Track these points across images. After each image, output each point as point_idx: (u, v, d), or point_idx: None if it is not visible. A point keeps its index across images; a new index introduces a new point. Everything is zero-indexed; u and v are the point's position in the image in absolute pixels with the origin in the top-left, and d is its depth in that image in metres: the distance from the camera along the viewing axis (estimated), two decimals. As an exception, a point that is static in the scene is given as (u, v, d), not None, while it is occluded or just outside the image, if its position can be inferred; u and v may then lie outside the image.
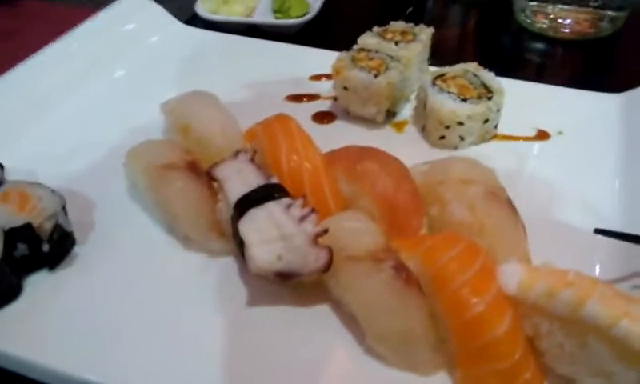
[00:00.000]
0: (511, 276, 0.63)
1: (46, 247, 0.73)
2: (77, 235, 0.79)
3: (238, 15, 1.37)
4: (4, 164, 0.85)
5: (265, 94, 1.09)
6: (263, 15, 1.36)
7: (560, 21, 1.36)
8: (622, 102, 1.02)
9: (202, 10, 1.37)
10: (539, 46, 1.36)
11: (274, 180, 0.75)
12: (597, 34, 1.35)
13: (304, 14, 1.35)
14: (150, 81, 1.14)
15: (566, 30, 1.35)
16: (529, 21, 1.39)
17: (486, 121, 0.94)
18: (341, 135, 0.97)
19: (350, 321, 0.69)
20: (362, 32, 1.10)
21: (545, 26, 1.37)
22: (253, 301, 0.72)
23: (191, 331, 0.69)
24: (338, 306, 0.71)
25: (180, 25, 1.31)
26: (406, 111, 1.05)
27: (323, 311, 0.71)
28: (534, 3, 1.37)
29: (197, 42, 1.27)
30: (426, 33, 1.08)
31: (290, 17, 1.34)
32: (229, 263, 0.77)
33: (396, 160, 0.81)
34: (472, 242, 0.67)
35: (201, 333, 0.69)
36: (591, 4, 1.32)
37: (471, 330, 0.61)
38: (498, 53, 1.37)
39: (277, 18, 1.36)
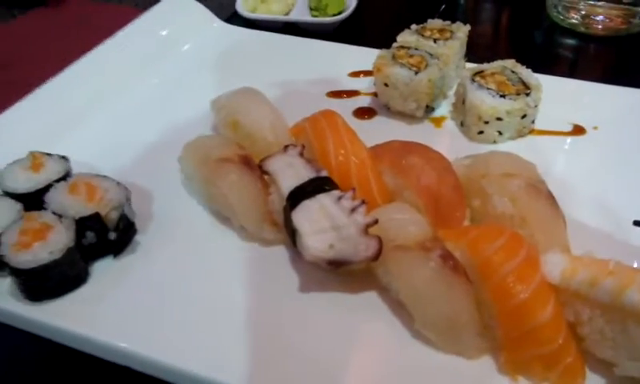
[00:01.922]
0: (554, 265, 0.67)
1: (112, 235, 0.78)
2: (137, 225, 0.84)
3: (276, 13, 1.41)
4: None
5: (306, 91, 1.13)
6: (301, 13, 1.40)
7: (592, 17, 1.37)
8: (656, 98, 1.04)
9: (242, 8, 1.41)
10: (571, 42, 1.38)
11: (324, 173, 0.80)
12: (629, 30, 1.36)
13: (340, 12, 1.39)
14: (195, 79, 1.19)
15: (599, 26, 1.37)
16: (561, 17, 1.41)
17: (524, 116, 0.97)
18: (381, 130, 1.01)
19: (398, 307, 0.73)
20: (396, 29, 1.13)
21: (577, 21, 1.38)
22: (304, 287, 0.77)
23: (246, 316, 0.73)
24: (386, 293, 0.75)
25: (222, 23, 1.35)
26: (444, 107, 1.08)
27: (372, 298, 0.75)
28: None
29: (238, 39, 1.31)
30: (463, 30, 1.11)
31: (326, 15, 1.38)
32: (281, 252, 0.81)
33: (439, 154, 0.84)
34: (516, 233, 0.71)
35: (255, 317, 0.73)
36: (623, 0, 1.34)
37: (516, 317, 0.65)
38: (531, 49, 1.39)
39: (314, 15, 1.40)
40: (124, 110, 1.09)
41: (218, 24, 1.34)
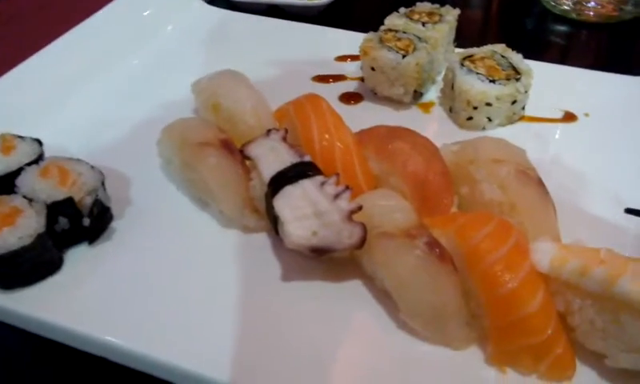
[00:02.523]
0: (544, 253, 0.65)
1: (86, 221, 0.75)
2: (113, 210, 0.81)
3: (262, -5, 1.37)
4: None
5: (291, 75, 1.10)
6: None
7: (584, 3, 1.35)
8: (647, 85, 1.02)
9: (226, -11, 1.37)
10: (563, 28, 1.36)
11: (307, 158, 0.77)
12: (620, 17, 1.34)
13: (327, -5, 1.35)
14: (177, 60, 1.16)
15: (590, 13, 1.35)
16: (552, 3, 1.38)
17: (514, 102, 0.95)
18: (368, 116, 0.98)
19: (383, 296, 0.70)
20: (384, 13, 1.10)
21: (568, 8, 1.36)
22: (286, 276, 0.74)
23: (225, 304, 0.71)
24: (371, 282, 0.72)
25: (204, 4, 1.32)
26: (432, 92, 1.06)
27: (356, 286, 0.73)
28: (558, -15, 1.37)
29: (221, 22, 1.28)
30: (452, 14, 1.09)
31: (312, -3, 1.35)
32: (262, 239, 0.79)
33: (426, 139, 0.82)
34: (504, 220, 0.68)
35: (235, 306, 0.71)
36: (615, -14, 1.32)
37: (504, 306, 0.63)
38: (522, 35, 1.37)
39: (300, -2, 1.36)
40: (102, 91, 1.06)
41: (200, 5, 1.31)
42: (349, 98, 1.05)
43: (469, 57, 0.98)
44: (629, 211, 0.77)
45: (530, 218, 0.72)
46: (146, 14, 1.24)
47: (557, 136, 0.95)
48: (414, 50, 0.99)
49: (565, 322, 0.64)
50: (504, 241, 0.65)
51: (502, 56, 0.98)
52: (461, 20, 1.11)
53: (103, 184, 0.78)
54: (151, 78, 1.10)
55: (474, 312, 0.66)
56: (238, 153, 0.82)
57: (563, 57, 1.31)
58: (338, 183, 0.73)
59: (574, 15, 1.35)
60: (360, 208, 0.70)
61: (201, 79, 0.95)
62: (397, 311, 0.68)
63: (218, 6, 1.34)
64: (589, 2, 1.36)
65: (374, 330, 0.69)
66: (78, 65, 1.08)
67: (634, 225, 0.77)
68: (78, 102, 1.02)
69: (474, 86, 0.93)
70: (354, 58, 1.11)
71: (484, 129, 0.96)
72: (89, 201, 0.75)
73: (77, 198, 0.74)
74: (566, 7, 1.36)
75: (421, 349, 0.66)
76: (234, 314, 0.70)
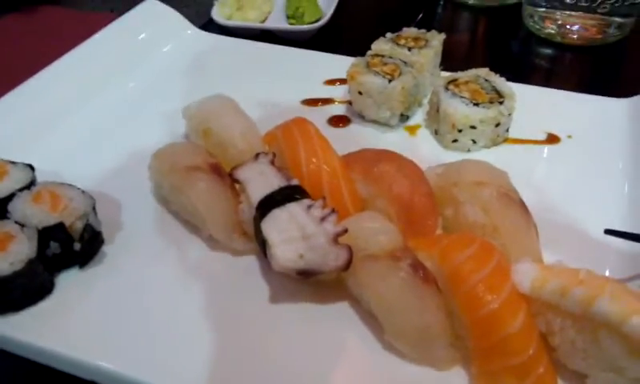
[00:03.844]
0: (525, 274, 0.66)
1: (77, 246, 0.76)
2: (104, 235, 0.82)
3: (253, 21, 1.40)
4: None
5: (281, 99, 1.12)
6: (277, 21, 1.40)
7: (568, 27, 1.38)
8: (630, 107, 1.04)
9: (218, 15, 1.40)
10: (548, 51, 1.39)
11: (295, 182, 0.78)
12: (604, 40, 1.37)
13: (317, 20, 1.38)
14: (169, 85, 1.18)
15: (574, 36, 1.38)
16: (537, 26, 1.41)
17: (498, 125, 0.97)
18: (355, 138, 1.00)
19: (369, 318, 0.72)
20: (374, 38, 1.13)
21: (553, 31, 1.39)
22: (274, 298, 0.75)
23: (215, 328, 0.72)
24: (357, 304, 0.73)
25: (197, 30, 1.34)
26: (419, 115, 1.08)
27: (342, 308, 0.74)
28: (543, 9, 1.39)
29: (213, 47, 1.30)
30: (437, 38, 1.11)
31: (303, 23, 1.37)
32: (251, 262, 0.80)
33: (411, 162, 0.84)
34: (487, 242, 0.70)
35: (225, 330, 0.71)
36: (599, 11, 1.35)
37: (486, 327, 0.64)
38: (508, 58, 1.40)
39: (290, 23, 1.39)
40: (94, 117, 1.08)
41: (193, 31, 1.33)
42: (337, 121, 1.07)
43: (453, 81, 1.01)
44: (608, 232, 0.78)
45: (512, 240, 0.74)
46: (139, 38, 1.26)
47: (540, 158, 0.97)
48: (400, 74, 1.01)
49: (546, 342, 0.65)
50: (486, 262, 0.66)
51: (486, 80, 1.01)
52: (447, 44, 1.13)
53: (94, 209, 0.80)
54: (144, 103, 1.12)
55: (458, 333, 0.68)
56: (227, 177, 0.84)
57: (548, 79, 1.34)
58: (324, 206, 0.74)
59: (558, 38, 1.38)
60: (346, 231, 0.71)
61: (191, 105, 0.97)
62: (382, 333, 0.69)
63: (211, 32, 1.36)
64: (573, 26, 1.38)
65: (360, 351, 0.69)
66: (71, 90, 1.09)
67: (613, 245, 0.78)
68: (70, 126, 1.04)
69: (458, 109, 0.95)
70: (342, 81, 1.13)
71: (469, 151, 0.98)
72: (79, 225, 0.77)
73: (68, 223, 0.75)
74: (550, 31, 1.39)
75: (406, 370, 0.67)
76: (223, 337, 0.70)
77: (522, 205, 0.77)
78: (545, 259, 0.75)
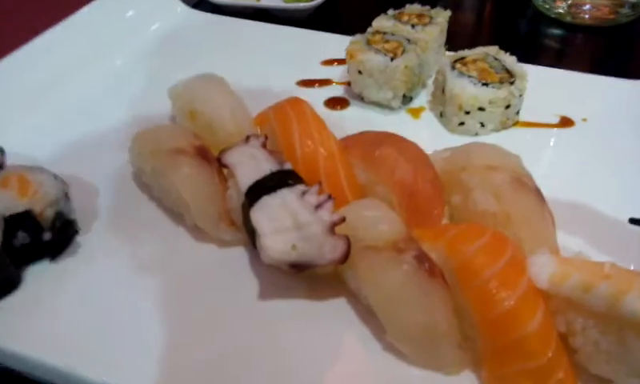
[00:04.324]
0: (542, 268, 0.59)
1: (47, 236, 0.70)
2: (80, 223, 0.75)
3: (247, -1, 1.33)
4: (5, 149, 0.81)
5: (275, 80, 1.05)
6: (272, -1, 1.32)
7: (579, 6, 1.31)
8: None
9: (210, -7, 1.32)
10: (557, 31, 1.32)
11: (288, 166, 0.72)
12: (617, 21, 1.30)
13: (314, -2, 1.31)
14: (156, 65, 1.11)
15: (586, 16, 1.31)
16: (547, 6, 1.34)
17: (508, 106, 0.90)
18: (355, 122, 0.93)
19: (369, 315, 0.65)
20: (373, 16, 1.06)
21: (563, 11, 1.32)
22: (264, 293, 0.69)
23: (200, 326, 0.65)
24: (356, 300, 0.67)
25: (186, 8, 1.27)
26: (423, 97, 1.01)
27: (339, 305, 0.67)
28: (553, -13, 1.32)
29: (204, 25, 1.23)
30: (443, 16, 1.04)
31: (300, 0, 1.30)
32: (239, 254, 0.73)
33: (415, 146, 0.77)
34: (499, 232, 0.63)
35: (210, 327, 0.65)
36: (612, -11, 1.28)
37: (500, 326, 0.58)
38: (516, 38, 1.32)
39: (286, 1, 1.31)
40: (74, 97, 1.01)
41: (182, 9, 1.26)
42: (335, 103, 1.00)
43: (460, 59, 0.94)
44: (633, 221, 0.72)
45: (527, 230, 0.67)
46: (127, 16, 1.19)
47: (553, 142, 0.90)
48: (403, 52, 0.94)
49: (566, 344, 0.59)
50: (499, 255, 0.59)
51: (495, 58, 0.94)
52: (452, 22, 1.06)
53: (67, 195, 0.73)
54: (129, 84, 1.05)
55: (467, 333, 0.61)
56: (214, 161, 0.77)
57: (558, 61, 1.26)
58: (320, 192, 0.67)
59: (569, 18, 1.31)
60: (343, 219, 0.64)
61: (177, 84, 0.90)
62: (383, 332, 0.62)
63: (202, 10, 1.29)
64: (584, 5, 1.31)
65: (358, 352, 0.63)
66: (51, 68, 1.03)
67: (638, 236, 0.71)
68: (48, 107, 0.97)
69: (466, 89, 0.89)
70: (340, 61, 1.07)
71: (476, 135, 0.91)
72: (50, 213, 0.70)
73: (37, 210, 0.69)
74: (560, 10, 1.32)
75: (409, 373, 0.60)
76: (208, 336, 0.64)
77: (537, 191, 0.70)
78: (562, 252, 0.68)
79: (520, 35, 1.34)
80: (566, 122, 0.94)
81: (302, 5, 1.29)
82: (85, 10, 1.15)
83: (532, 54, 1.24)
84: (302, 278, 0.68)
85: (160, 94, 0.94)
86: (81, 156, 0.88)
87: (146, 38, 1.18)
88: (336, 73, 1.07)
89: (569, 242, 0.69)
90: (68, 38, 1.09)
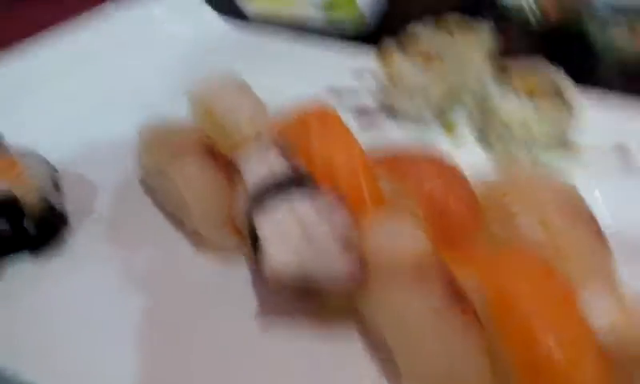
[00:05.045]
0: (601, 312, 0.49)
1: (29, 226, 0.62)
2: (71, 220, 0.69)
3: (281, 9, 1.27)
4: (9, 141, 0.76)
5: (301, 87, 0.97)
6: (308, 10, 1.26)
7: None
8: None
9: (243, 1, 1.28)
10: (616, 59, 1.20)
11: (302, 168, 0.63)
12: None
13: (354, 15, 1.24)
14: (177, 69, 1.05)
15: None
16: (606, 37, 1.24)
17: (559, 127, 0.80)
18: (383, 133, 0.86)
19: (382, 353, 0.55)
20: (411, 25, 0.97)
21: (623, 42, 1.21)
22: (265, 313, 0.60)
23: (195, 344, 0.57)
24: (367, 333, 0.57)
25: (215, 15, 1.22)
26: (460, 113, 0.91)
27: (351, 340, 0.57)
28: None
29: (231, 34, 1.18)
30: (486, 27, 0.95)
31: (339, 17, 1.24)
32: (242, 268, 0.65)
33: (449, 161, 0.67)
34: (547, 262, 0.52)
35: (204, 346, 0.57)
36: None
37: (543, 375, 0.47)
38: (568, 58, 1.22)
39: (327, 16, 1.25)
40: (92, 92, 0.95)
41: (211, 15, 1.21)
42: (363, 114, 0.92)
43: (506, 72, 0.85)
44: None
45: (581, 265, 0.56)
46: (153, 15, 1.16)
47: (611, 169, 0.79)
48: (441, 63, 0.86)
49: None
50: (547, 288, 0.49)
51: (546, 74, 0.84)
52: (496, 36, 0.97)
53: (58, 184, 0.66)
54: (145, 85, 0.99)
55: (502, 382, 0.50)
56: (225, 164, 0.69)
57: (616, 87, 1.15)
58: (335, 200, 0.58)
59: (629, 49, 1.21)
60: (360, 232, 0.55)
61: (197, 88, 0.83)
62: (398, 376, 0.52)
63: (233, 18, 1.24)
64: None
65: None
66: (72, 60, 1.00)
67: None
68: (54, 105, 0.92)
69: (511, 106, 0.79)
70: (371, 71, 0.99)
71: (521, 158, 0.81)
72: (34, 199, 0.62)
73: (18, 194, 0.61)
74: (621, 41, 1.22)
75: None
76: (203, 354, 0.56)
77: (594, 220, 0.60)
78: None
79: (572, 54, 1.24)
80: (623, 149, 0.82)
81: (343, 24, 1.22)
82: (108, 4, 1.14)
83: (585, 75, 1.13)
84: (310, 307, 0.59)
85: (179, 97, 0.87)
86: (86, 154, 0.81)
87: (169, 41, 1.13)
88: (366, 82, 0.99)
89: (632, 282, 0.57)
90: (91, 31, 1.07)
